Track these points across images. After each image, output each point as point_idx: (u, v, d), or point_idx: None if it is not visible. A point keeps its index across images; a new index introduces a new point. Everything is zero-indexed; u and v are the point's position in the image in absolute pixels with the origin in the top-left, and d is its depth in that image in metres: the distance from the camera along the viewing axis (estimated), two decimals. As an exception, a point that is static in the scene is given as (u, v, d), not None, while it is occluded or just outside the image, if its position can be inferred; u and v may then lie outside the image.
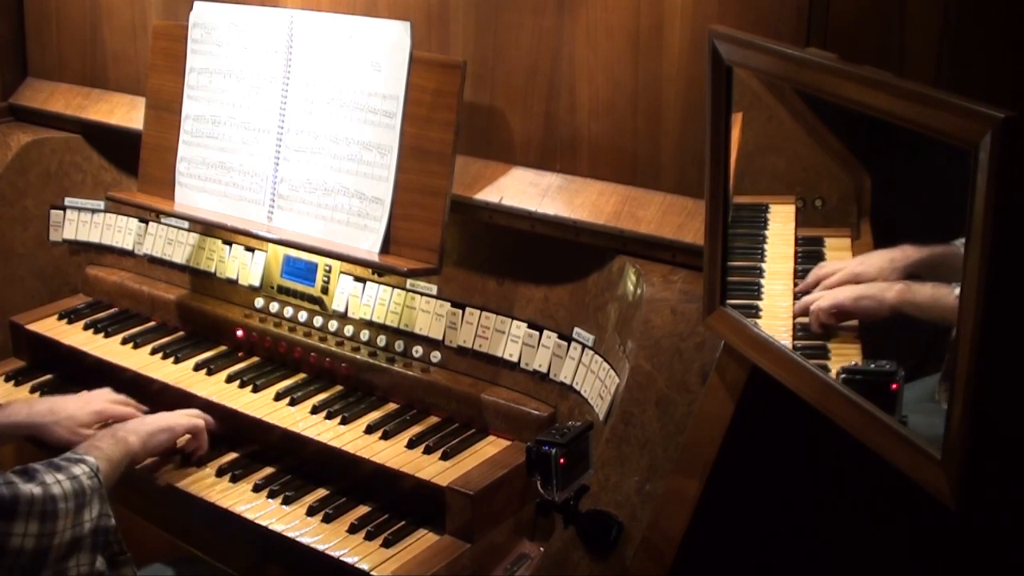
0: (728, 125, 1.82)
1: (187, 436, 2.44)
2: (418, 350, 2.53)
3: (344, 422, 2.43)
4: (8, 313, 2.98)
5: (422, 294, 2.53)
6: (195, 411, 2.49)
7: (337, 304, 2.65)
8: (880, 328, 1.68)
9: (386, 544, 2.15)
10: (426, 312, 2.52)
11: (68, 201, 3.15)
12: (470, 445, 2.35)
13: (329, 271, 2.67)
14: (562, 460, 1.75)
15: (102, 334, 2.88)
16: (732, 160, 1.85)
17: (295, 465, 2.41)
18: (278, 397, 2.54)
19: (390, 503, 2.27)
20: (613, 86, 2.26)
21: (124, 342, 2.84)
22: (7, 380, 2.83)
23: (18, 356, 2.95)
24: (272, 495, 2.31)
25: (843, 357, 1.70)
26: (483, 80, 2.43)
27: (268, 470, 2.41)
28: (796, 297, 1.83)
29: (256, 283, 2.81)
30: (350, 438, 2.38)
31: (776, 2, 2.02)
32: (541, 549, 2.17)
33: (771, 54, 1.68)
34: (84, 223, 3.15)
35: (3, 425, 2.42)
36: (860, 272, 1.73)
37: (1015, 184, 1.27)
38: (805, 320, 1.77)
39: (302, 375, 2.65)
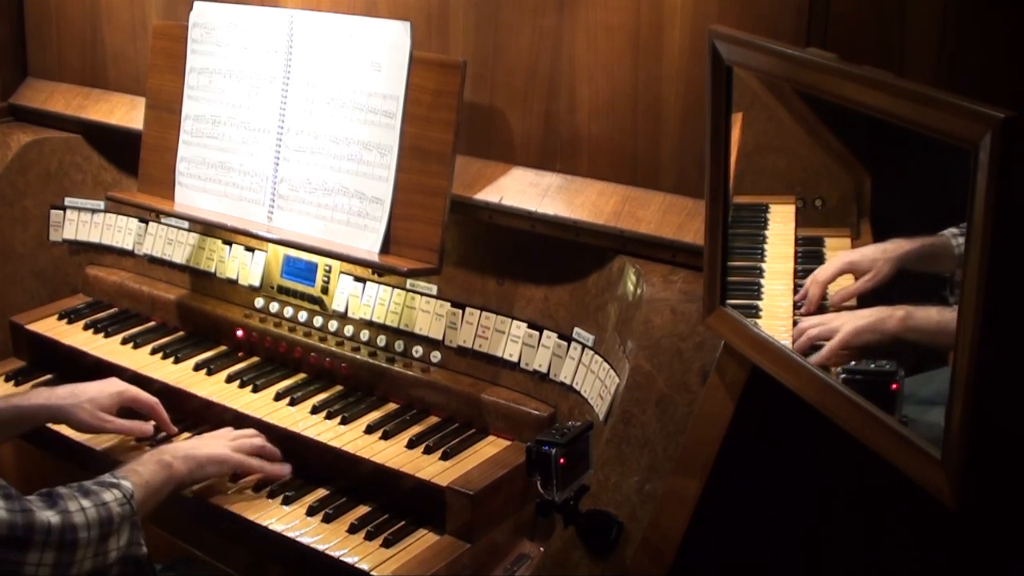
0: (728, 125, 1.82)
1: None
2: (418, 350, 2.53)
3: (344, 422, 2.43)
4: (8, 313, 2.98)
5: (422, 294, 2.53)
6: (249, 441, 2.33)
7: (337, 304, 2.65)
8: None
9: (386, 544, 2.15)
10: (426, 312, 2.52)
11: (68, 201, 3.14)
12: (470, 445, 2.35)
13: (329, 271, 2.67)
14: (562, 460, 1.75)
15: (102, 334, 2.88)
16: (732, 160, 1.85)
17: (295, 465, 2.41)
18: (278, 397, 2.54)
19: (390, 503, 2.27)
20: (613, 86, 2.26)
21: (124, 342, 2.84)
22: (7, 380, 2.83)
23: (18, 356, 2.94)
24: (272, 495, 2.31)
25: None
26: (483, 80, 2.43)
27: (268, 470, 2.41)
28: (797, 306, 1.82)
29: (256, 283, 2.81)
30: (350, 438, 2.38)
31: (776, 2, 2.02)
32: (541, 549, 2.17)
33: (771, 54, 1.68)
34: (84, 223, 3.15)
35: (26, 407, 2.38)
36: (854, 260, 1.73)
37: (1015, 184, 1.27)
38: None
39: (302, 375, 2.65)
